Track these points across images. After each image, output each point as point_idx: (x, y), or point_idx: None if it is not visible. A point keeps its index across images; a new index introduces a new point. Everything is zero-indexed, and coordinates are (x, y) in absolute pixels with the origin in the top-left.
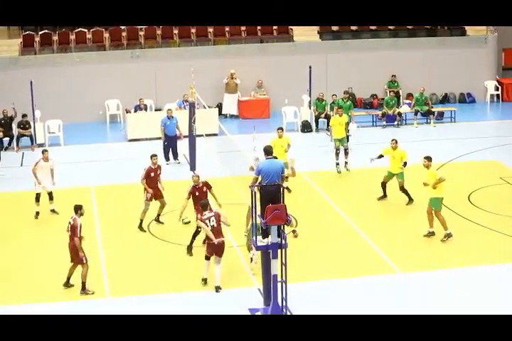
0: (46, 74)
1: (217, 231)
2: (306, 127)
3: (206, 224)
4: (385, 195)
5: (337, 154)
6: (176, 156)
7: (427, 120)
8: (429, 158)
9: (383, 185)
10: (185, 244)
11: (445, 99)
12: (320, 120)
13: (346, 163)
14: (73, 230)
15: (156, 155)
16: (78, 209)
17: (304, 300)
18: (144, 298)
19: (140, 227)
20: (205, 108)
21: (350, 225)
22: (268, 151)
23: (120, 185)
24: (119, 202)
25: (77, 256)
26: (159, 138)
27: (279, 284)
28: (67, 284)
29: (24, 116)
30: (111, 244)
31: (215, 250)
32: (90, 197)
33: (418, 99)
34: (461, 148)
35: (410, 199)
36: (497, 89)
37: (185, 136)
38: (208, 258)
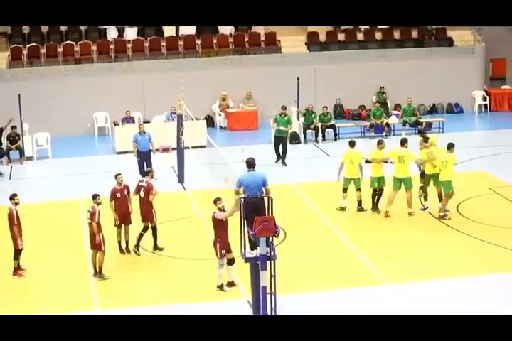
0: (34, 87)
1: None
2: (294, 138)
3: None
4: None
5: None
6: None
7: (415, 131)
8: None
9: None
10: (178, 257)
11: (433, 110)
12: (308, 131)
13: None
14: (91, 216)
15: (120, 174)
16: (94, 197)
17: (293, 311)
18: (127, 310)
19: (120, 250)
20: (192, 120)
21: (338, 236)
22: (250, 163)
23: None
24: (109, 214)
25: (94, 242)
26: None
27: (268, 296)
28: (97, 274)
29: (14, 127)
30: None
31: None
32: (79, 210)
33: (406, 109)
34: None
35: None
36: (485, 99)
37: (173, 149)
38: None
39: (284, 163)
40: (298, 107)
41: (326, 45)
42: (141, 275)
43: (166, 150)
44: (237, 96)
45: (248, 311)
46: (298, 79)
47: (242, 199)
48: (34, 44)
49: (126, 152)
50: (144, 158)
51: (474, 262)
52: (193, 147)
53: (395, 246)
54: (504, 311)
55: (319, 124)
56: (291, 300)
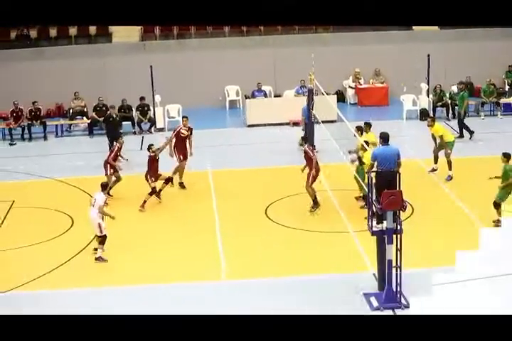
0: (166, 59)
1: None
2: (424, 115)
3: None
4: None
5: None
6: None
7: None
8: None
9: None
10: (305, 229)
11: None
12: (437, 109)
13: None
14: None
15: (186, 117)
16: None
17: (418, 286)
18: (258, 281)
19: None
20: (323, 94)
21: (464, 212)
22: (384, 138)
23: (238, 170)
24: (237, 186)
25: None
26: (279, 124)
27: (393, 269)
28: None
29: (142, 99)
30: (228, 227)
31: None
32: (208, 181)
33: (485, 90)
34: None
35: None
36: None
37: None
38: None
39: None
40: (428, 84)
41: None
42: (265, 246)
43: (296, 123)
44: (367, 72)
45: (374, 284)
46: (428, 56)
47: (372, 174)
48: None
49: (257, 125)
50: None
51: None
52: (323, 121)
53: None
54: None
55: (449, 101)
56: (416, 275)
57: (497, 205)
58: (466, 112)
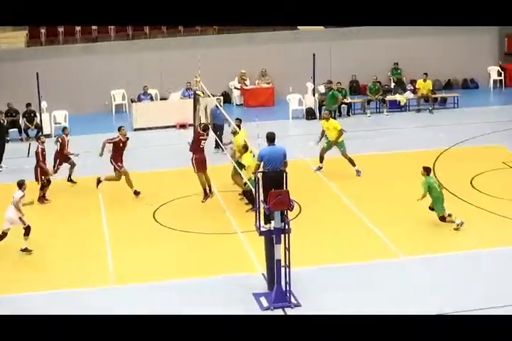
0: (52, 65)
1: None
2: (310, 114)
3: None
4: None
5: None
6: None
7: (431, 107)
8: None
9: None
10: (193, 231)
11: (448, 85)
12: (323, 107)
13: None
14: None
15: (123, 126)
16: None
17: (306, 284)
18: (147, 285)
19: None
20: (209, 97)
21: (352, 210)
22: (270, 138)
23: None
24: (124, 190)
25: None
26: (166, 127)
27: (282, 269)
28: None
29: (28, 105)
30: (116, 232)
31: None
32: (96, 187)
33: (371, 88)
34: (464, 133)
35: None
36: (500, 74)
37: (190, 125)
38: None
39: None
40: (314, 83)
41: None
42: (152, 249)
43: (182, 126)
44: (253, 73)
45: (263, 284)
46: (314, 55)
47: (260, 174)
48: None
49: (143, 129)
50: (221, 131)
51: (487, 236)
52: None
53: (406, 218)
54: None
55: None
56: (305, 273)
57: (442, 218)
58: (334, 111)
